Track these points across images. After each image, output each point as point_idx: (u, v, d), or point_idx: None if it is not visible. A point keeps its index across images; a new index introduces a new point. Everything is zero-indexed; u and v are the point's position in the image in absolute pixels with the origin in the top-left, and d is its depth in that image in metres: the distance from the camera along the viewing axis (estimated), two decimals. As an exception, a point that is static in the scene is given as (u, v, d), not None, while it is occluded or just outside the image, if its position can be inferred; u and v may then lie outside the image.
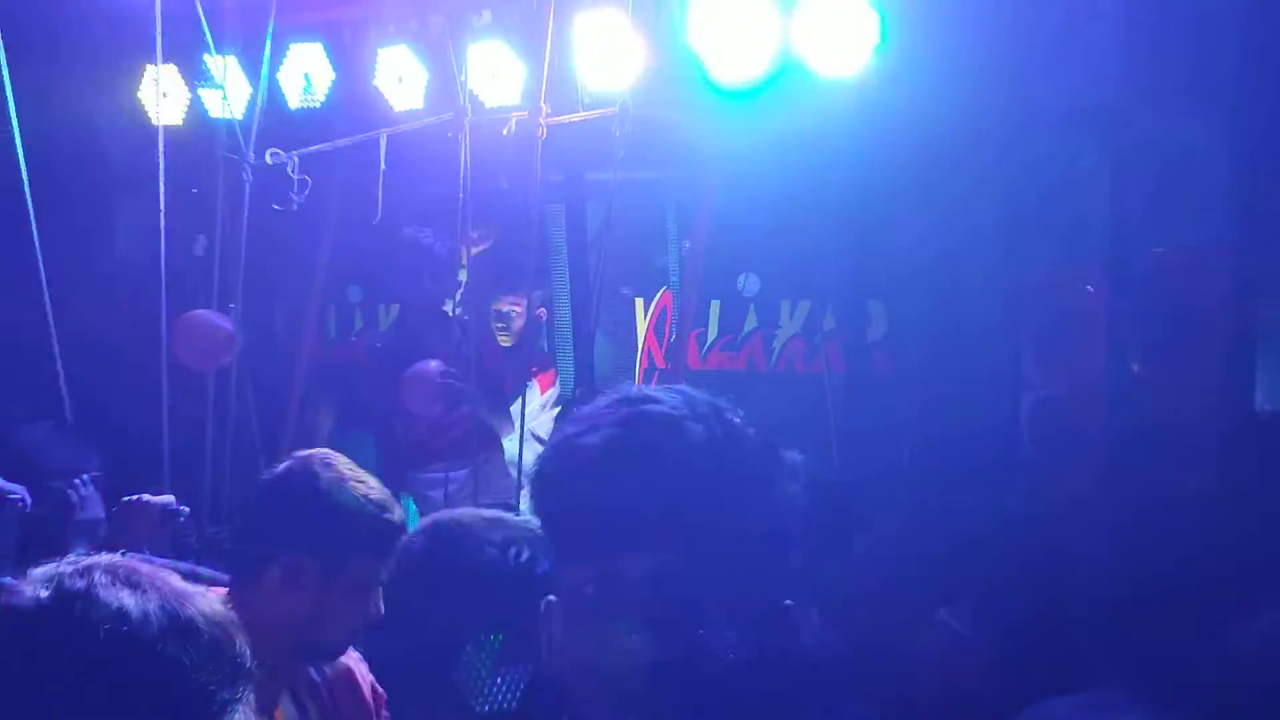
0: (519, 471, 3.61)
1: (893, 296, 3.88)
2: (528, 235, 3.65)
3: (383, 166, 3.60)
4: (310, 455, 2.06)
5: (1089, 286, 3.51)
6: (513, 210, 3.83)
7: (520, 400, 3.93)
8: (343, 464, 2.04)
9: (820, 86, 3.44)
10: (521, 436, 3.58)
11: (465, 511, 1.85)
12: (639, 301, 4.37)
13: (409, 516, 4.13)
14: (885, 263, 3.81)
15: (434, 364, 3.75)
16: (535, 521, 1.87)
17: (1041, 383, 3.64)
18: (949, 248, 3.69)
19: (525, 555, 1.68)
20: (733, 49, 3.45)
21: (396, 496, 4.18)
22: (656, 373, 4.31)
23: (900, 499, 3.58)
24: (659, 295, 4.34)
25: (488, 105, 3.67)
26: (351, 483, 1.99)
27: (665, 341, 4.31)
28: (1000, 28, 3.49)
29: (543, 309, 4.19)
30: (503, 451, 4.07)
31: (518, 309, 4.07)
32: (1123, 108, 3.43)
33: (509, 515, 1.80)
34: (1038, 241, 3.59)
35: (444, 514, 1.85)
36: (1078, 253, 3.53)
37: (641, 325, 4.37)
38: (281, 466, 2.06)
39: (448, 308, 3.84)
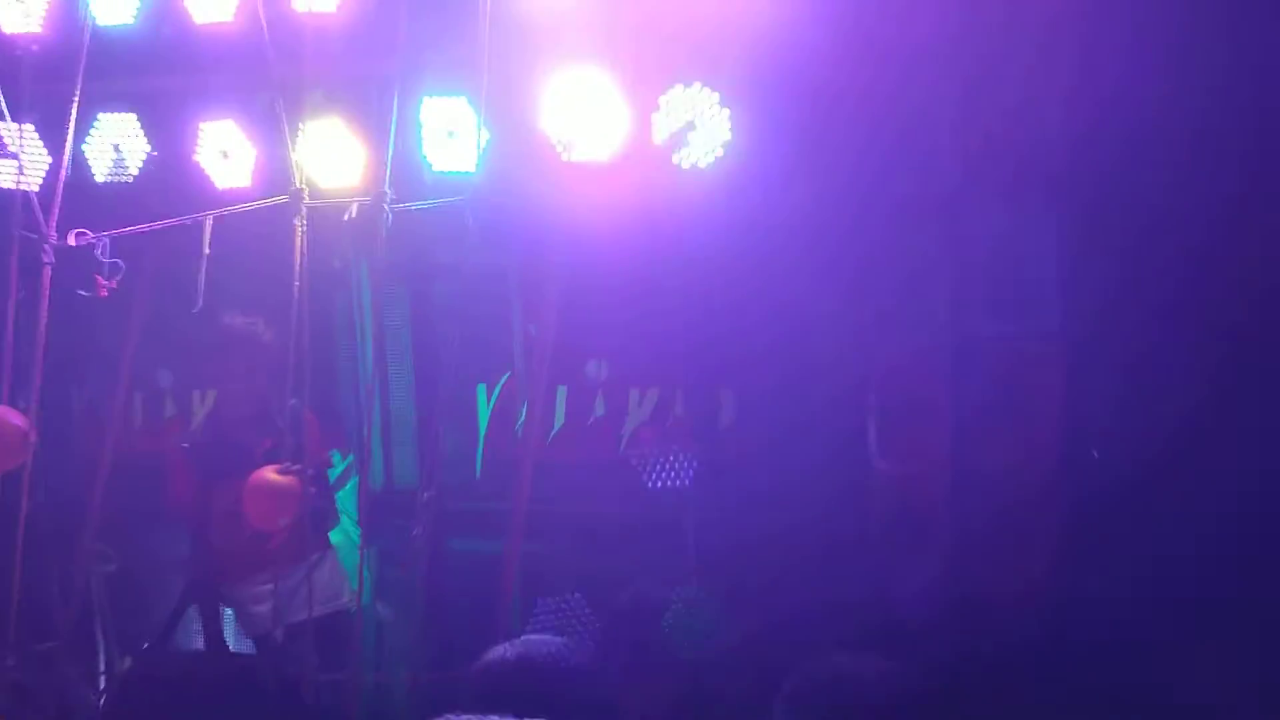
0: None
1: (741, 383, 3.87)
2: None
3: (206, 251, 3.33)
4: None
5: (931, 371, 3.61)
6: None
7: None
8: None
9: (672, 176, 3.42)
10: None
11: None
12: (482, 388, 4.20)
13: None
14: (734, 349, 3.80)
15: (275, 469, 3.44)
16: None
17: (888, 464, 3.69)
18: (796, 334, 3.72)
19: None
20: (584, 134, 3.39)
21: (215, 612, 3.89)
22: (501, 462, 4.15)
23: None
24: (503, 381, 4.18)
25: (323, 187, 3.46)
26: None
27: (510, 430, 4.15)
28: (842, 125, 3.57)
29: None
30: (334, 549, 3.80)
31: None
32: (958, 202, 3.57)
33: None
34: (882, 328, 3.67)
35: None
36: (920, 338, 3.62)
37: (484, 413, 4.20)
38: None
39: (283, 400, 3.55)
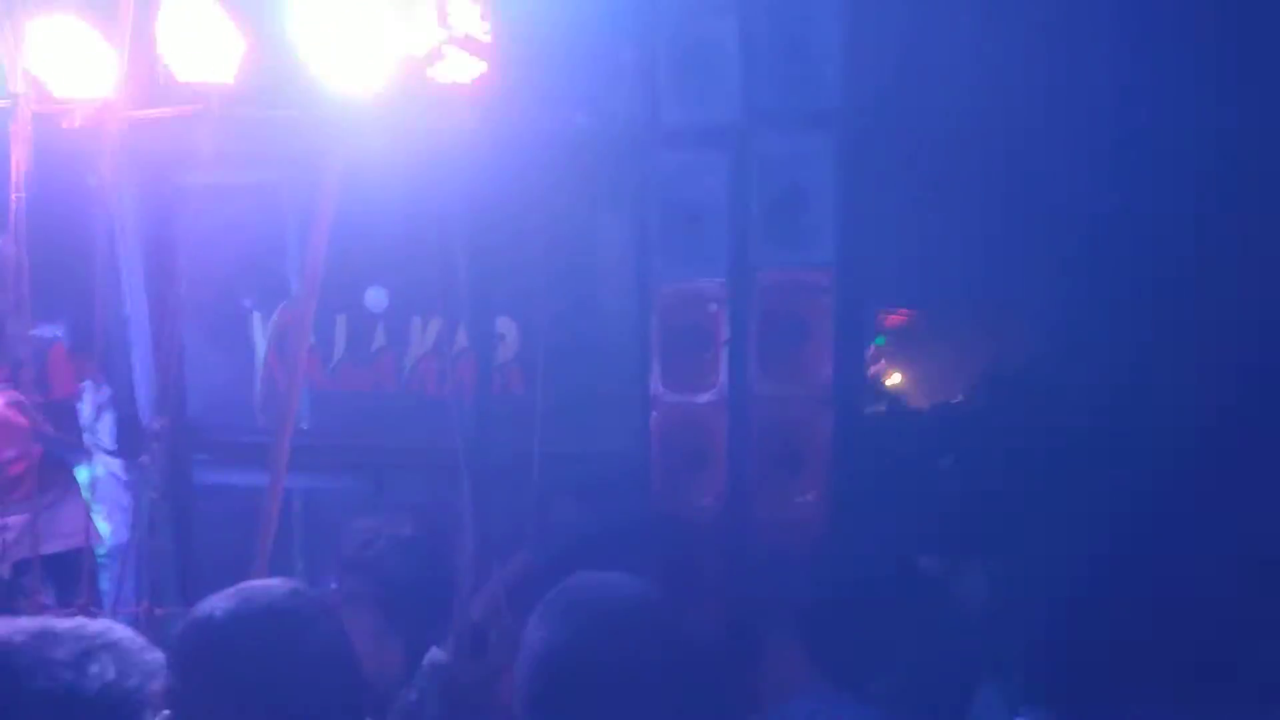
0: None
1: (523, 314, 3.76)
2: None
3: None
4: None
5: (712, 304, 3.55)
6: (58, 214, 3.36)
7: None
8: None
9: (440, 92, 3.25)
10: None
11: None
12: (257, 316, 4.00)
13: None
14: (516, 279, 3.68)
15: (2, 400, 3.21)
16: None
17: (669, 396, 3.64)
18: (578, 263, 3.61)
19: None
20: (346, 51, 3.19)
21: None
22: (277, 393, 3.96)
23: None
24: (280, 308, 3.99)
25: (56, 93, 3.19)
26: None
27: (287, 359, 3.96)
28: (627, 42, 3.45)
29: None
30: (76, 485, 3.58)
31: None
32: (743, 129, 3.48)
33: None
34: (664, 257, 3.58)
35: None
36: (702, 268, 3.55)
37: (261, 341, 4.00)
38: None
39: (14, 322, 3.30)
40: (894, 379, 4.04)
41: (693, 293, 3.53)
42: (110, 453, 3.71)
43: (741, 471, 3.49)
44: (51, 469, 3.40)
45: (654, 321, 3.55)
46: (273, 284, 3.97)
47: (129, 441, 3.71)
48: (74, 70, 3.20)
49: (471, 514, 3.57)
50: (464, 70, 3.19)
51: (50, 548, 3.19)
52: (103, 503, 3.47)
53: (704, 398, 3.57)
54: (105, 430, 3.66)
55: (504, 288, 3.73)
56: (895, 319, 3.90)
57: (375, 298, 3.88)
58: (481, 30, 3.14)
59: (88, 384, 3.60)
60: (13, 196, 2.99)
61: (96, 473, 3.73)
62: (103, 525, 3.46)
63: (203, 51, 3.18)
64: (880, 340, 3.99)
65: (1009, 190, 3.40)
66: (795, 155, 3.47)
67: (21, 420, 3.14)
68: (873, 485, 3.41)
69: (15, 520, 3.30)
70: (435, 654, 2.87)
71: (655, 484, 3.58)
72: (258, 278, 3.97)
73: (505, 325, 3.80)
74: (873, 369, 3.97)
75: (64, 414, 3.49)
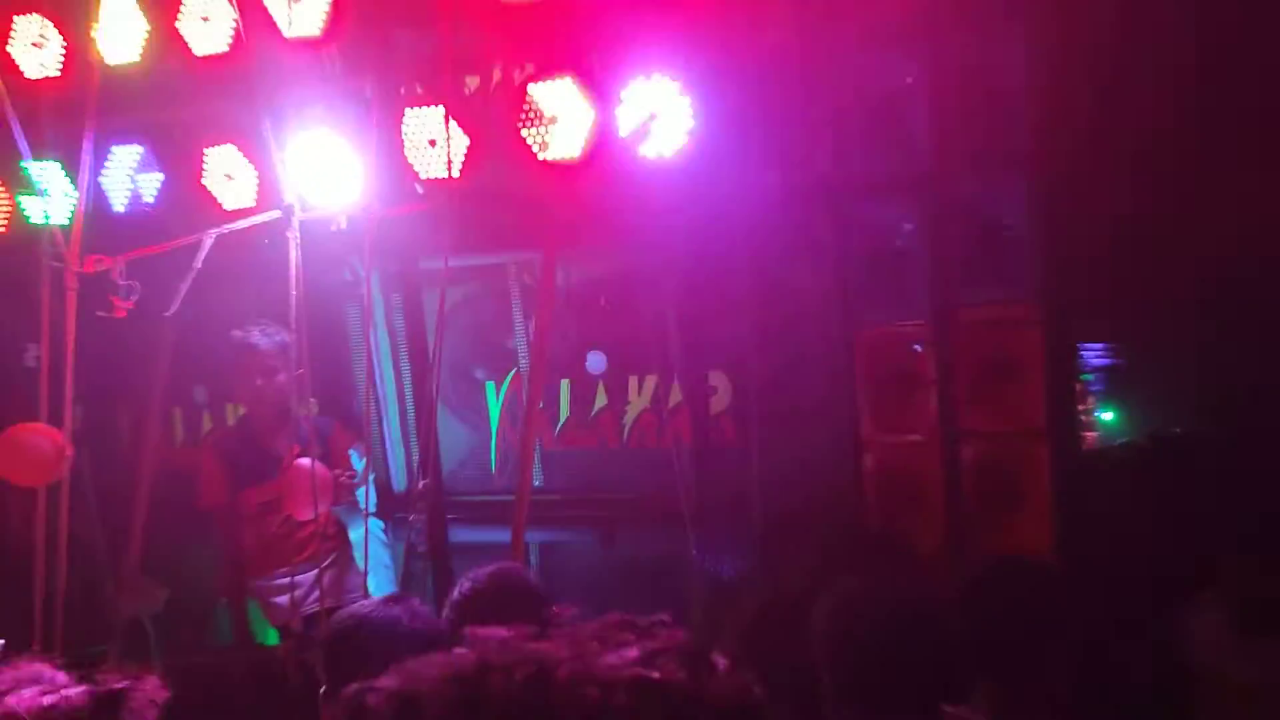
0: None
1: (734, 366, 3.94)
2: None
3: (197, 265, 3.55)
4: None
5: (916, 345, 3.64)
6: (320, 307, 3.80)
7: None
8: None
9: (643, 166, 3.52)
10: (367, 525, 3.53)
11: None
12: (490, 385, 4.36)
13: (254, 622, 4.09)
14: (725, 333, 3.88)
15: (313, 462, 3.65)
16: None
17: (881, 438, 3.72)
18: (781, 315, 3.77)
19: None
20: (558, 135, 3.51)
21: (241, 605, 4.12)
22: (512, 454, 4.29)
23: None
24: (510, 377, 4.34)
25: (315, 200, 3.65)
26: None
27: (519, 422, 4.30)
28: (813, 106, 3.63)
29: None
30: (350, 545, 3.99)
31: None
32: (934, 176, 3.59)
33: None
34: (867, 304, 3.71)
35: None
36: (904, 312, 3.66)
37: (495, 407, 4.35)
38: None
39: (298, 405, 3.75)
40: (1106, 414, 3.99)
41: (896, 335, 3.64)
42: (371, 515, 4.11)
43: (959, 509, 3.54)
44: (334, 533, 3.82)
45: (860, 365, 3.67)
46: (503, 356, 4.32)
47: (385, 505, 4.11)
48: (330, 178, 3.65)
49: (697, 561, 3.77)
50: (668, 143, 3.44)
51: (332, 603, 3.57)
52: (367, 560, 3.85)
53: (914, 437, 3.65)
54: (366, 496, 4.07)
55: (714, 342, 3.93)
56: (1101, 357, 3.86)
57: (595, 361, 4.17)
58: (682, 106, 3.39)
59: (352, 455, 4.02)
60: (292, 294, 3.42)
61: (359, 534, 4.14)
62: (370, 581, 3.84)
63: (438, 153, 3.57)
64: (1087, 376, 3.96)
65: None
66: (989, 196, 3.56)
67: (328, 488, 3.55)
68: (1097, 520, 3.39)
69: (304, 578, 3.73)
70: None
71: (873, 524, 3.67)
72: (488, 350, 4.33)
73: (717, 378, 4.00)
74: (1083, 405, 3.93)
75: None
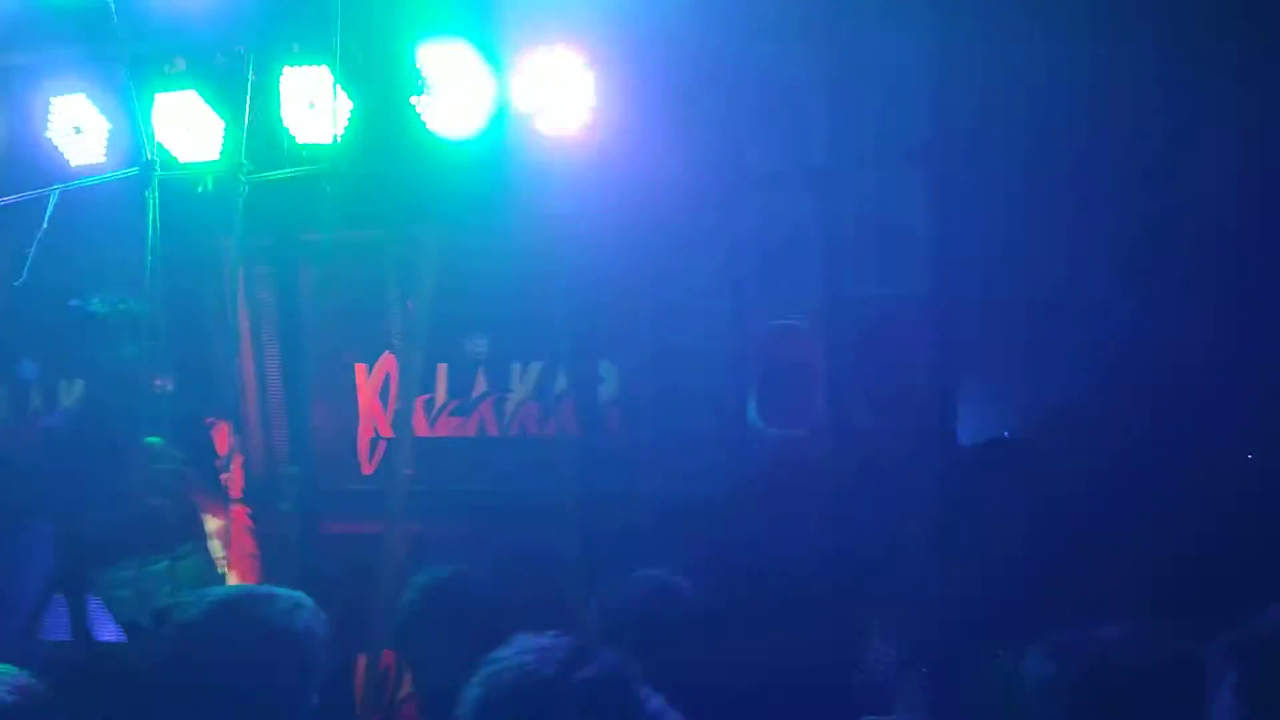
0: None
1: (623, 356, 3.84)
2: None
3: (44, 226, 3.21)
4: None
5: (806, 339, 3.63)
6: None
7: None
8: None
9: (540, 143, 3.38)
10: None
11: None
12: (360, 367, 4.12)
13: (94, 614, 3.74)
14: (614, 322, 3.78)
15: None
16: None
17: (769, 430, 3.70)
18: (674, 304, 3.70)
19: None
20: (450, 104, 3.34)
21: (79, 596, 3.77)
22: (382, 442, 4.07)
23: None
24: (381, 359, 4.10)
25: (181, 160, 3.36)
26: None
27: (390, 408, 4.07)
28: (714, 93, 3.57)
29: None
30: (207, 538, 3.70)
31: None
32: (830, 169, 3.59)
33: None
34: (758, 296, 3.67)
35: None
36: (796, 305, 3.64)
37: (363, 392, 4.12)
38: None
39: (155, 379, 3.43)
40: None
41: (788, 330, 3.62)
42: (237, 501, 3.82)
43: (844, 499, 3.54)
44: (186, 522, 3.52)
45: (751, 358, 3.63)
46: (374, 336, 4.08)
47: (252, 491, 3.81)
48: (197, 138, 3.37)
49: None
50: (567, 120, 3.31)
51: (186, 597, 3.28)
52: (230, 550, 3.57)
53: (802, 431, 3.64)
54: (232, 481, 3.77)
55: (603, 330, 3.82)
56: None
57: (476, 345, 3.99)
58: (585, 83, 3.27)
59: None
60: (147, 260, 3.12)
61: (224, 521, 3.84)
62: (229, 573, 3.57)
63: (316, 115, 3.34)
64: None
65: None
66: (884, 192, 3.57)
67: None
68: (976, 514, 3.44)
69: (152, 569, 3.42)
70: None
71: (758, 515, 3.64)
72: (359, 329, 4.09)
73: (605, 367, 3.89)
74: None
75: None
